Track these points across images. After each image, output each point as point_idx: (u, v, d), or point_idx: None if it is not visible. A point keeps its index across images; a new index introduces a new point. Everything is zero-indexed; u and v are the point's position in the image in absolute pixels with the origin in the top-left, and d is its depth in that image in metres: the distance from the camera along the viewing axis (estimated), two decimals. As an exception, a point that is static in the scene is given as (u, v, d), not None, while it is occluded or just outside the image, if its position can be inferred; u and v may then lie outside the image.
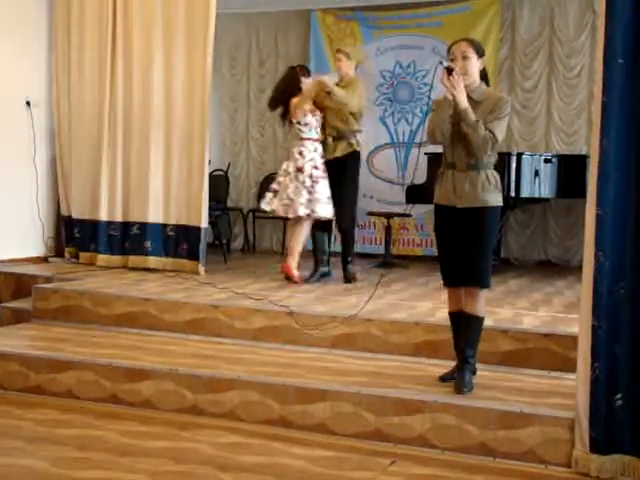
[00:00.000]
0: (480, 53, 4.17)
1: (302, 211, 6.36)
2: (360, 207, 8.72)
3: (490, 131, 4.04)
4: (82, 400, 4.69)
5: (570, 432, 3.73)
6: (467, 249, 4.15)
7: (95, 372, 4.71)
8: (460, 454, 3.90)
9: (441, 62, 4.09)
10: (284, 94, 6.61)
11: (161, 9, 7.09)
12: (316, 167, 6.44)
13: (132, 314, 5.64)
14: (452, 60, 4.11)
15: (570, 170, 7.34)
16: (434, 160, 7.05)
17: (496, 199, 4.16)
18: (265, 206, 6.57)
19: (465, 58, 4.10)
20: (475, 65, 4.15)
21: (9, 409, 4.56)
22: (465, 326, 4.23)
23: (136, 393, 4.60)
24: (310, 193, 6.37)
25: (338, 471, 3.70)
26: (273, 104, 6.76)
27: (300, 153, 6.44)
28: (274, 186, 6.57)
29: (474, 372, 4.29)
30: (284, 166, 6.55)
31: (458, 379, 4.22)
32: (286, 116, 6.62)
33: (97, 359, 4.81)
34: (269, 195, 6.57)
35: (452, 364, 4.39)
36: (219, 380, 4.47)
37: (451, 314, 4.35)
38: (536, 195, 7.27)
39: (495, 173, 4.19)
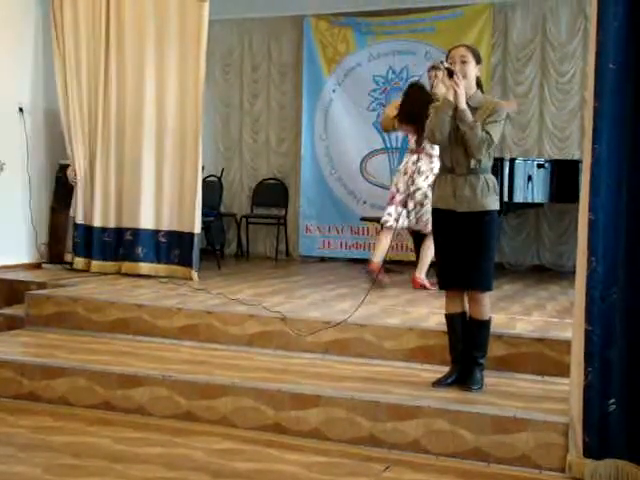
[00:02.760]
0: (477, 60, 4.27)
1: None
2: (354, 212, 8.80)
3: (487, 132, 4.12)
4: (75, 407, 4.68)
5: (564, 437, 3.74)
6: (468, 253, 4.19)
7: (88, 378, 4.69)
8: (454, 459, 3.90)
9: (442, 62, 4.23)
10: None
11: (154, 16, 7.08)
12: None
13: (125, 320, 5.63)
14: (451, 64, 4.21)
15: (563, 175, 7.35)
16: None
17: (494, 203, 4.23)
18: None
19: (464, 62, 4.20)
20: (473, 70, 4.24)
21: (2, 416, 4.53)
22: (472, 330, 4.28)
23: (129, 399, 4.59)
24: None
25: (332, 477, 3.69)
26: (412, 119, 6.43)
27: (432, 170, 6.32)
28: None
29: (482, 370, 4.33)
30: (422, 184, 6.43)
31: (468, 378, 4.26)
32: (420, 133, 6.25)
33: (90, 365, 4.80)
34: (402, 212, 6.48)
35: (445, 369, 4.40)
36: (213, 386, 4.46)
37: (448, 316, 4.37)
38: (529, 200, 7.29)
39: (493, 177, 4.28)
